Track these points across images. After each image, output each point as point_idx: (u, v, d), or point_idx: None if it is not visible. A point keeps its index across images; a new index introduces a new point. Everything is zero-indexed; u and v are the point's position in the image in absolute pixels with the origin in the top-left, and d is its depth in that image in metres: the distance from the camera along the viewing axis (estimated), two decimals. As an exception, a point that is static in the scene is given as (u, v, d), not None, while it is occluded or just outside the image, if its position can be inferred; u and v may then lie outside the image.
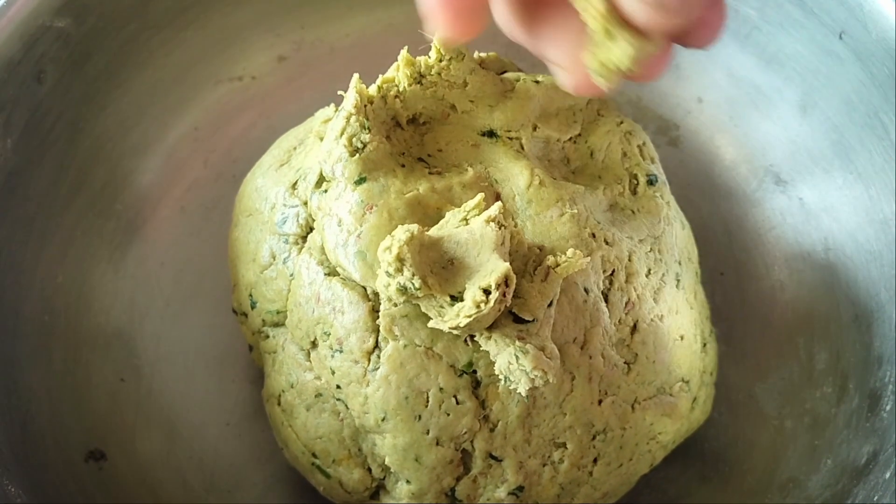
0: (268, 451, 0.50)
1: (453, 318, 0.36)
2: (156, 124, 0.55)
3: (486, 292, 0.36)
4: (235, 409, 0.51)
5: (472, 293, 0.36)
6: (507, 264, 0.36)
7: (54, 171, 0.50)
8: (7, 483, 0.43)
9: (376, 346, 0.40)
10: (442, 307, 0.37)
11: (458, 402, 0.40)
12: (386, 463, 0.41)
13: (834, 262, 0.50)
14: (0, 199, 0.47)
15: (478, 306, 0.36)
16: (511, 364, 0.37)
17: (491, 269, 0.36)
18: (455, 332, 0.37)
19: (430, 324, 0.37)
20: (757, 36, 0.51)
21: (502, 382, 0.38)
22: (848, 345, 0.48)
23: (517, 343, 0.37)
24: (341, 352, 0.41)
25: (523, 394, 0.37)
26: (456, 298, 0.37)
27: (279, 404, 0.45)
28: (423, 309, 0.38)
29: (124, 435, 0.49)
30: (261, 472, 0.50)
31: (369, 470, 0.43)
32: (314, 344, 0.42)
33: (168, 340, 0.52)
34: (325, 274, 0.42)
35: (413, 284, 0.36)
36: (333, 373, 0.41)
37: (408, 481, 0.41)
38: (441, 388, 0.40)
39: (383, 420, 0.40)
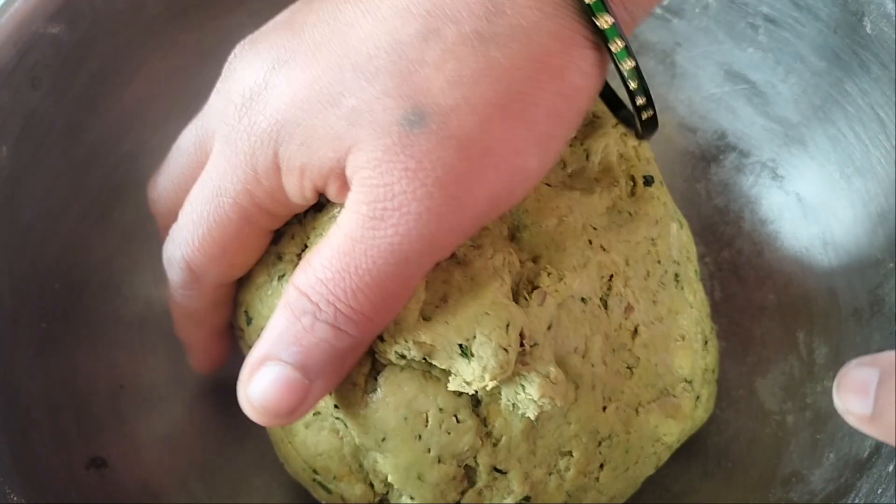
0: (269, 456, 0.49)
1: (478, 380, 0.36)
2: (150, 130, 0.55)
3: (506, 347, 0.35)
4: (237, 414, 0.51)
5: (493, 352, 0.35)
6: (522, 315, 0.35)
7: (50, 179, 0.50)
8: (9, 492, 0.42)
9: (373, 367, 0.40)
10: (451, 358, 0.36)
11: (458, 421, 0.39)
12: (388, 480, 0.41)
13: (832, 256, 0.50)
14: (-3, 207, 0.47)
15: (502, 367, 0.35)
16: (517, 393, 0.37)
17: (504, 318, 0.36)
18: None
19: (452, 387, 0.37)
20: (752, 32, 0.51)
21: (509, 407, 0.38)
22: (848, 339, 0.48)
23: (521, 373, 0.36)
24: None
25: (532, 418, 0.37)
26: (463, 348, 0.36)
27: None
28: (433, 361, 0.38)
29: (125, 442, 0.49)
30: (262, 477, 0.50)
31: (371, 485, 0.42)
32: None
33: (167, 345, 0.52)
34: None
35: (412, 354, 0.36)
36: (331, 393, 0.41)
37: (412, 497, 0.41)
38: (440, 409, 0.39)
39: (383, 440, 0.40)
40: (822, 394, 0.48)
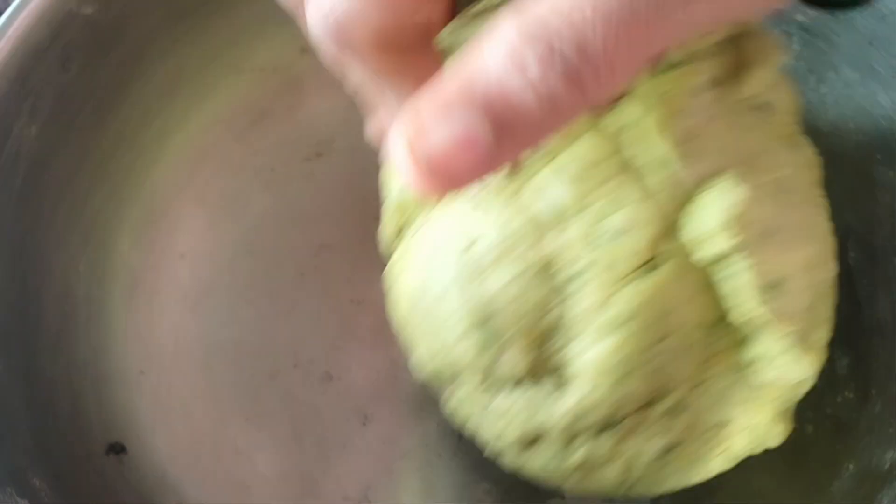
0: (285, 446, 0.49)
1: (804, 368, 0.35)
2: (178, 114, 0.55)
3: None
4: (254, 403, 0.51)
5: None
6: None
7: (78, 159, 0.50)
8: (32, 476, 0.43)
9: (650, 257, 0.34)
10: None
11: (688, 352, 0.35)
12: (577, 369, 0.35)
13: (855, 265, 0.50)
14: (24, 186, 0.47)
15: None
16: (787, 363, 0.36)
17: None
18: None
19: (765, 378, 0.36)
20: (786, 39, 0.51)
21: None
22: (871, 352, 0.48)
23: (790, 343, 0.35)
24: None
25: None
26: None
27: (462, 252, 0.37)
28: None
29: (144, 427, 0.49)
30: (276, 468, 0.50)
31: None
32: None
33: (187, 332, 0.52)
34: None
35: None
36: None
37: (591, 390, 0.36)
38: (685, 333, 0.35)
39: (612, 332, 0.34)
40: (842, 405, 0.48)
